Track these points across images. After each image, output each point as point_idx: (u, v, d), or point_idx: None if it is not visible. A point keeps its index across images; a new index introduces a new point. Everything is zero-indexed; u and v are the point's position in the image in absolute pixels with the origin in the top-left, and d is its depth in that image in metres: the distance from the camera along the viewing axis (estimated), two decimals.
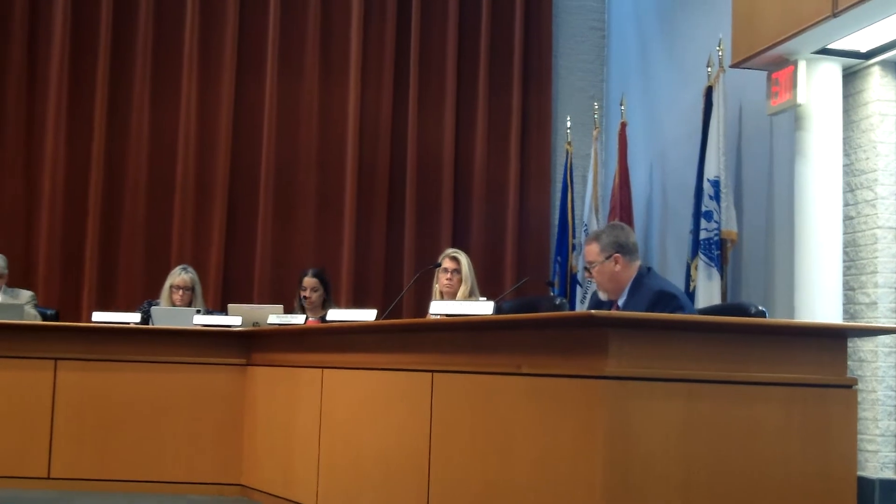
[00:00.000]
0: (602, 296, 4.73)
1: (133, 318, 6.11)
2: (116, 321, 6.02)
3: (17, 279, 7.23)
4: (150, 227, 8.22)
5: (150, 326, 6.15)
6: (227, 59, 8.38)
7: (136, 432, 5.82)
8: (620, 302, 4.63)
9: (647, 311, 4.31)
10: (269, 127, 8.38)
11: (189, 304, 6.77)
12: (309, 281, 6.78)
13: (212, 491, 5.77)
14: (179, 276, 6.85)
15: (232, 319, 6.00)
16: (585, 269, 4.89)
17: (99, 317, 6.08)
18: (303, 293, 6.79)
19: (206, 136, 8.33)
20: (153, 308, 6.47)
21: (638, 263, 4.67)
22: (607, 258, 4.62)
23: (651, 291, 4.44)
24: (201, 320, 6.06)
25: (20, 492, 5.59)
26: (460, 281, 5.98)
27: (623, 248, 4.63)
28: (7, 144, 8.05)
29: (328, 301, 6.85)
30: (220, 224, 8.26)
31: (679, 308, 4.31)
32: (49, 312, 6.85)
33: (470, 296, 5.92)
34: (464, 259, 6.06)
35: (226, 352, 5.91)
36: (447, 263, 6.00)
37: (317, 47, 8.55)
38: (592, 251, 4.69)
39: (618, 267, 4.61)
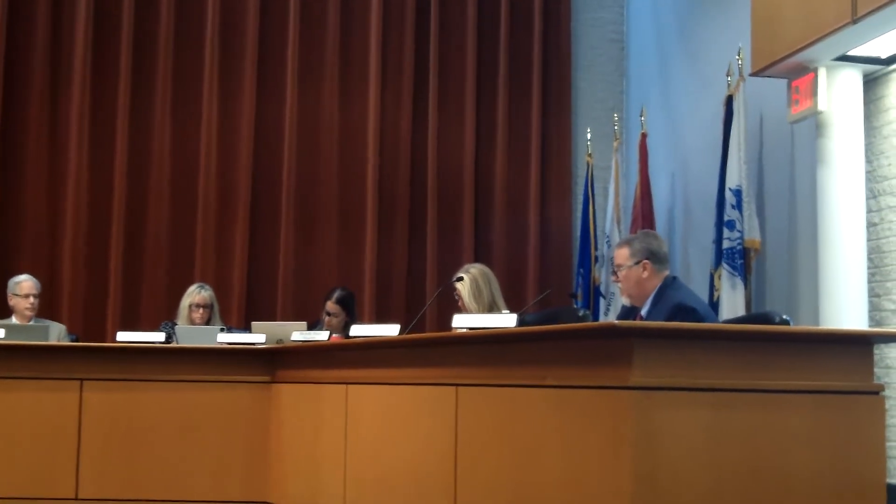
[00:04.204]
0: (625, 301, 4.73)
1: (158, 337, 6.12)
2: (141, 341, 6.04)
3: (42, 301, 7.27)
4: (173, 247, 8.26)
5: (175, 345, 6.17)
6: (247, 76, 8.42)
7: (163, 451, 5.82)
8: (644, 311, 4.62)
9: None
10: (289, 143, 8.42)
11: (208, 322, 6.79)
12: (331, 306, 6.72)
13: None
14: (199, 294, 6.87)
15: (256, 337, 6.01)
16: (613, 272, 4.86)
17: (124, 336, 6.10)
18: (325, 314, 6.76)
19: (227, 155, 8.37)
20: (177, 327, 6.49)
21: (665, 273, 4.66)
22: (636, 263, 4.62)
23: (670, 304, 4.42)
24: (225, 338, 6.07)
25: None
26: (465, 308, 5.74)
27: (654, 256, 4.63)
28: (29, 165, 8.11)
29: (350, 324, 6.77)
30: (242, 242, 8.29)
31: (698, 321, 4.29)
32: (71, 338, 6.89)
33: (489, 311, 5.74)
34: (466, 286, 5.65)
35: (250, 369, 5.92)
36: (457, 286, 5.76)
37: (336, 64, 8.58)
38: (622, 254, 4.68)
39: (645, 274, 4.61)
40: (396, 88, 8.66)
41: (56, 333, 6.66)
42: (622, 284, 4.72)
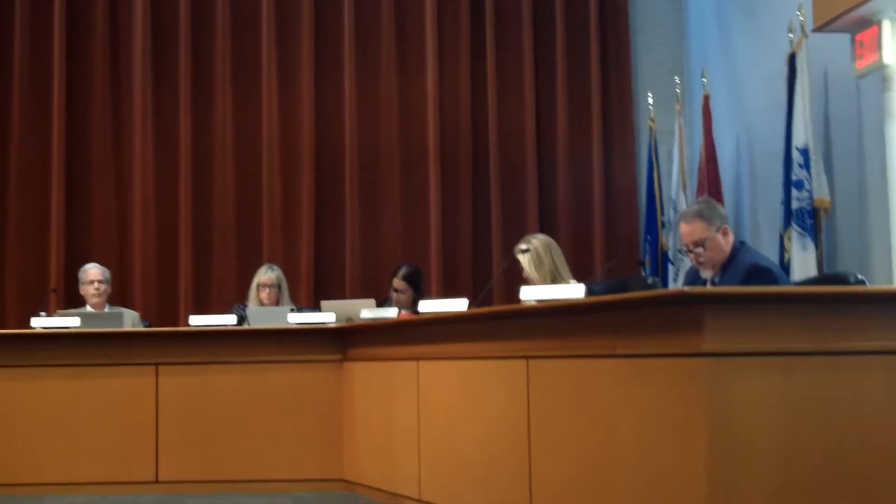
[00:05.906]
0: (707, 274, 4.61)
1: (230, 319, 6.19)
2: (214, 324, 6.11)
3: (115, 289, 7.39)
4: (241, 231, 8.34)
5: (247, 327, 6.24)
6: (305, 59, 8.45)
7: (239, 432, 5.91)
8: (716, 279, 4.56)
9: (741, 285, 4.25)
10: (350, 123, 8.44)
11: (276, 302, 6.86)
12: (398, 283, 6.73)
13: (316, 487, 5.83)
14: (266, 274, 6.94)
15: (326, 316, 6.06)
16: (684, 250, 4.75)
17: (196, 321, 6.18)
18: (393, 291, 6.78)
19: (289, 137, 8.42)
20: (248, 309, 6.56)
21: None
22: (717, 230, 4.54)
23: (744, 265, 4.38)
24: (296, 318, 6.12)
25: (131, 497, 5.72)
26: (529, 280, 5.73)
27: (726, 220, 4.59)
28: (96, 159, 8.24)
29: (418, 300, 6.77)
30: (308, 223, 8.34)
31: (774, 281, 4.25)
32: (144, 324, 6.99)
33: (552, 281, 5.71)
34: (527, 257, 5.67)
35: (322, 349, 5.98)
36: (519, 258, 5.76)
37: (392, 36, 8.58)
38: (701, 228, 4.55)
39: (728, 237, 4.55)
40: (454, 60, 8.64)
41: (130, 320, 6.76)
42: (709, 256, 4.56)
